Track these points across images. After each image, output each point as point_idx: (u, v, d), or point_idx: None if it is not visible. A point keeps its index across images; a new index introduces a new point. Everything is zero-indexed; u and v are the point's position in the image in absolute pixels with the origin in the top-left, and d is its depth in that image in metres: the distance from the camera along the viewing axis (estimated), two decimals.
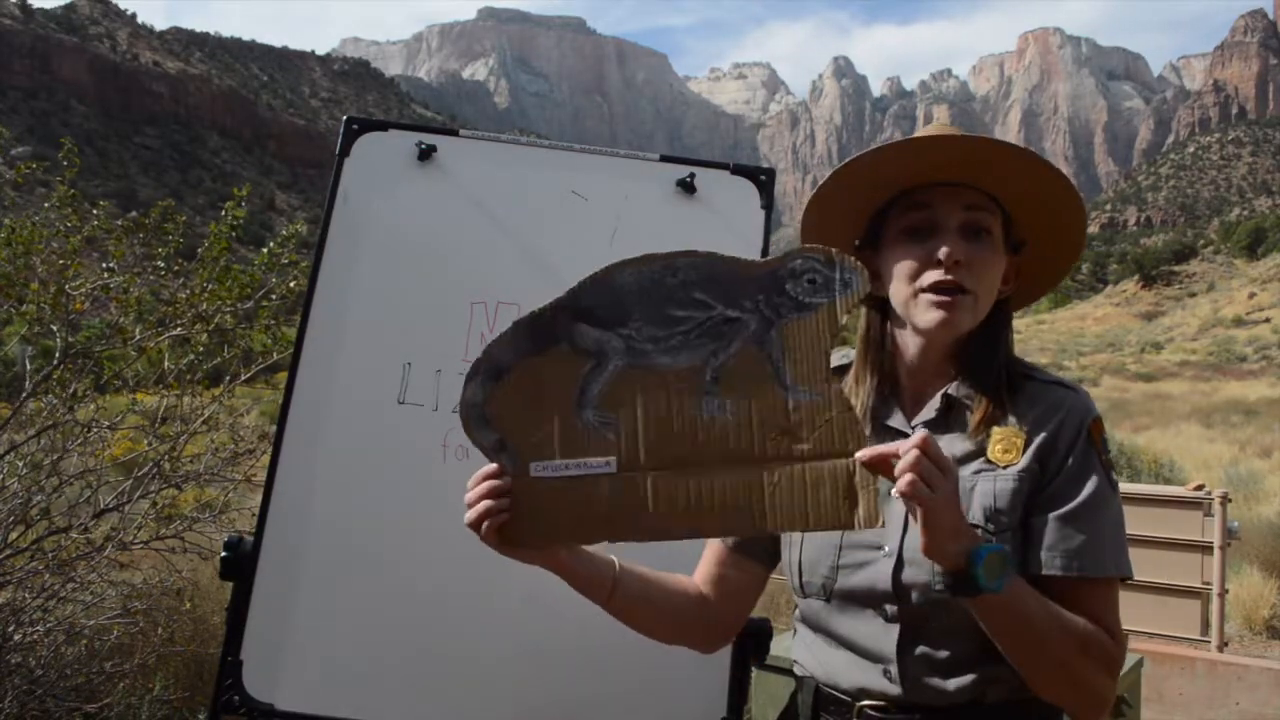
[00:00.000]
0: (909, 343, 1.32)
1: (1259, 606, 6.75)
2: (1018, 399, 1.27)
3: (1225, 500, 4.79)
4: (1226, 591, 4.92)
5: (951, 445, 1.26)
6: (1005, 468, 1.23)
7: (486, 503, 1.12)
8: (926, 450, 1.05)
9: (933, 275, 1.23)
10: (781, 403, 1.12)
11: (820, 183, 1.30)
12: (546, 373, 1.16)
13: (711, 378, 1.13)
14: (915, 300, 1.25)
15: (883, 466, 1.08)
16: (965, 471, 1.24)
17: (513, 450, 1.15)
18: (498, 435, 1.15)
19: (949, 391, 1.29)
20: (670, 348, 1.14)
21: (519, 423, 1.15)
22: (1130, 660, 2.85)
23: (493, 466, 1.15)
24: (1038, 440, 1.23)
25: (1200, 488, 4.92)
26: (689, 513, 1.12)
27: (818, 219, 1.34)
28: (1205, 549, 4.73)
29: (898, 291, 1.28)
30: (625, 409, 1.14)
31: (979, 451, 1.25)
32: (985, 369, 1.27)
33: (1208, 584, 4.73)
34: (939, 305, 1.23)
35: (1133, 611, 4.54)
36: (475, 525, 1.13)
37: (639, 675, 1.72)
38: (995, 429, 1.25)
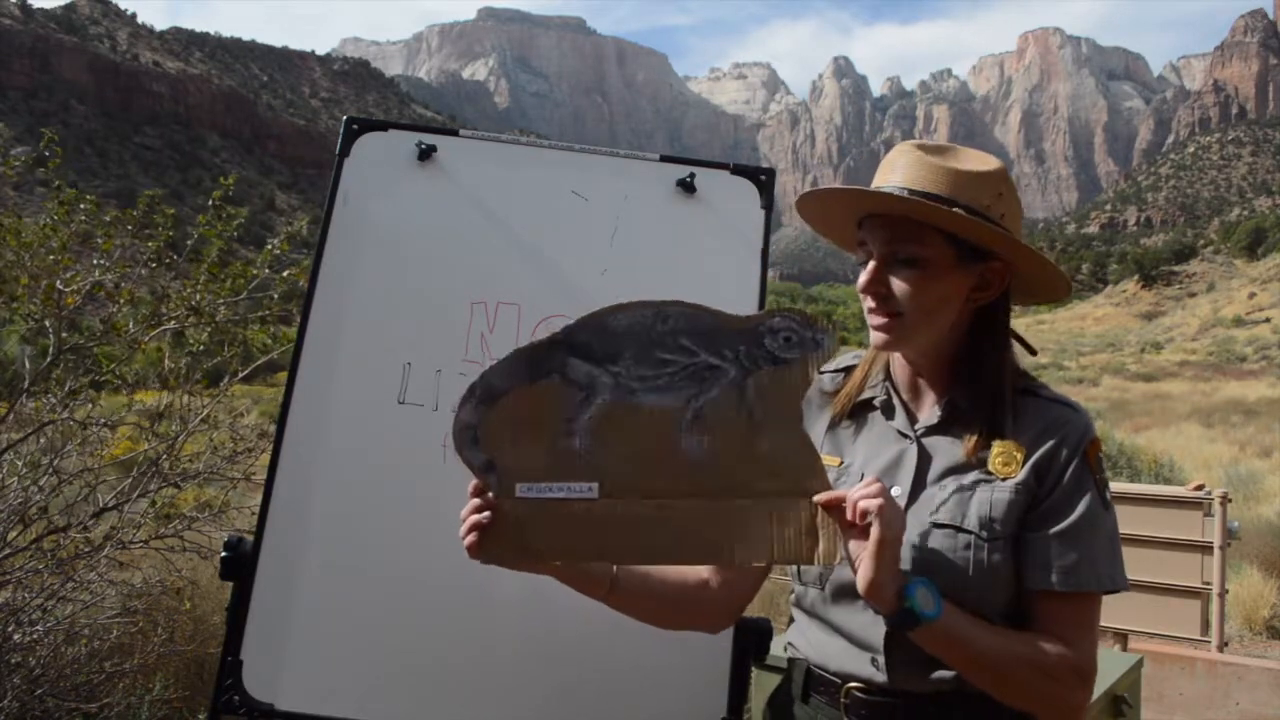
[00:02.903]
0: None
1: (1259, 606, 6.75)
2: (1021, 415, 1.31)
3: (1225, 500, 4.78)
4: (1226, 591, 4.91)
5: (953, 450, 1.31)
6: (1004, 479, 1.28)
7: (473, 518, 1.22)
8: (882, 489, 1.17)
9: (866, 301, 1.32)
10: (753, 444, 1.22)
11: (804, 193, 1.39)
12: (538, 401, 1.24)
13: (692, 417, 1.23)
14: (868, 320, 1.35)
15: (837, 509, 1.19)
16: (965, 479, 1.29)
17: (500, 471, 1.23)
18: (487, 456, 1.23)
19: (952, 398, 1.34)
20: (656, 387, 1.24)
21: (508, 445, 1.24)
22: (1130, 660, 2.84)
23: (477, 484, 1.23)
24: (1036, 455, 1.28)
25: (1200, 488, 4.91)
26: (664, 539, 1.22)
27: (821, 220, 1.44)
28: (1205, 549, 4.72)
29: None
30: (610, 439, 1.23)
31: (979, 461, 1.30)
32: (978, 375, 1.33)
33: (1208, 584, 4.72)
34: (875, 328, 1.32)
35: (1133, 611, 4.54)
36: (464, 539, 1.23)
37: (639, 674, 1.72)
38: (996, 442, 1.29)
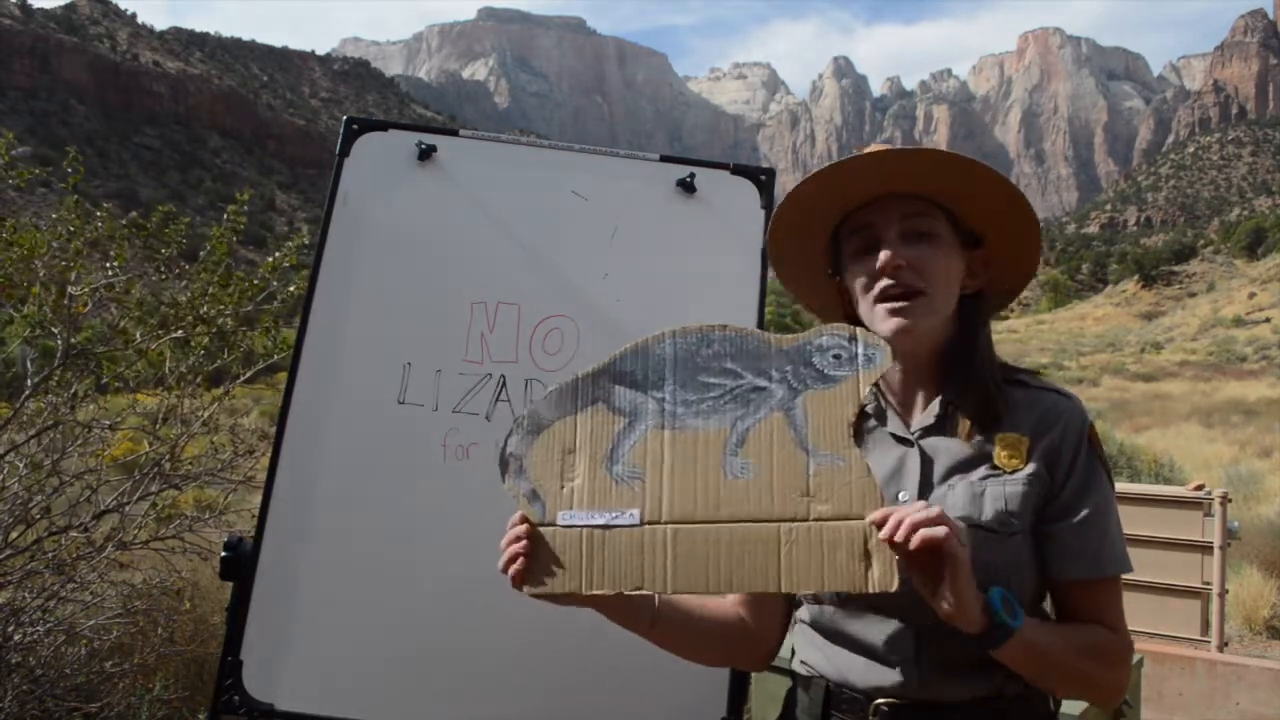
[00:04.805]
0: None
1: (1259, 606, 6.75)
2: (1013, 405, 1.30)
3: (1225, 500, 4.78)
4: (1226, 591, 4.91)
5: (954, 449, 1.30)
6: (1012, 472, 1.27)
7: (514, 547, 1.19)
8: (941, 514, 1.09)
9: (881, 284, 1.29)
10: (803, 466, 1.17)
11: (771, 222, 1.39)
12: (583, 429, 1.23)
13: (737, 441, 1.20)
14: (874, 312, 1.30)
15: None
16: (973, 476, 1.28)
17: (544, 499, 1.22)
18: (532, 485, 1.23)
19: (945, 396, 1.32)
20: (701, 411, 1.21)
21: (552, 474, 1.23)
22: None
23: (520, 513, 1.22)
24: (1041, 445, 1.27)
25: (1200, 488, 4.90)
26: (707, 567, 1.16)
27: (785, 253, 1.43)
28: (1205, 549, 4.72)
29: (862, 307, 1.33)
30: (653, 465, 1.21)
31: (982, 457, 1.29)
32: (969, 367, 1.32)
33: (1208, 584, 4.72)
34: (894, 313, 1.28)
35: (1133, 611, 4.53)
36: (505, 570, 1.20)
37: (639, 675, 1.72)
38: (999, 436, 1.28)
